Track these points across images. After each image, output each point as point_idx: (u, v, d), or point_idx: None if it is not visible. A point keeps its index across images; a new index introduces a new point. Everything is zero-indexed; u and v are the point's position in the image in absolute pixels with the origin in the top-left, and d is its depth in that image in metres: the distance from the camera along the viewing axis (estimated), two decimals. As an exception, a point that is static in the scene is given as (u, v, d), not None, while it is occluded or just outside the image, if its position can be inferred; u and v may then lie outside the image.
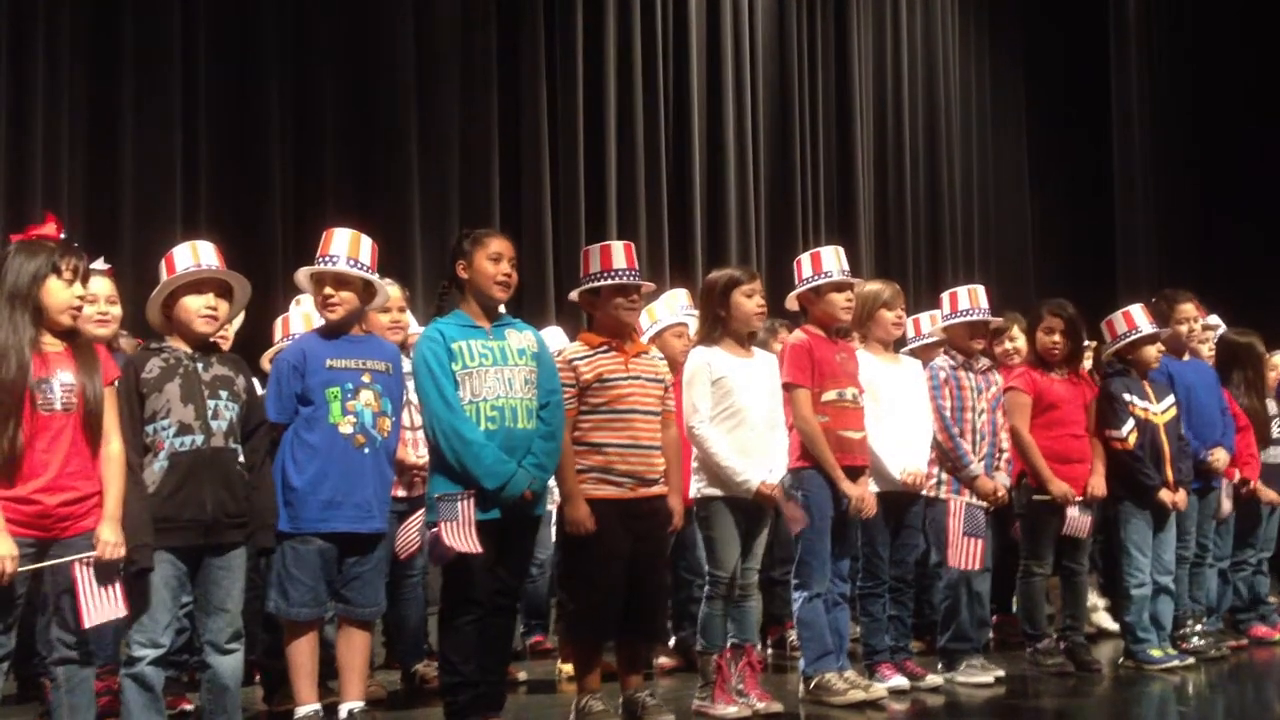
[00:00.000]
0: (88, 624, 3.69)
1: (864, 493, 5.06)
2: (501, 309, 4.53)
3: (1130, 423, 5.87)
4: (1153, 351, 6.01)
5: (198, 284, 4.15)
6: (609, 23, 10.75)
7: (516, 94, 10.25)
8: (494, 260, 4.40)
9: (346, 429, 4.35)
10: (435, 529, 4.20)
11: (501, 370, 4.33)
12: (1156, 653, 5.82)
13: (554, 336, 6.47)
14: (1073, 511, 5.67)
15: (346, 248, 4.46)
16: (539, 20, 10.40)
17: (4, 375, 3.63)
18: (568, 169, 10.43)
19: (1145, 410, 5.94)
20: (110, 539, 3.73)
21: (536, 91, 10.30)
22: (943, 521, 5.40)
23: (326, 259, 4.45)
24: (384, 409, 4.44)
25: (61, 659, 3.73)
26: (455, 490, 4.19)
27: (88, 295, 4.44)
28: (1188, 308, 6.37)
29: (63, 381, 3.73)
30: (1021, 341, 6.15)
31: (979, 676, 5.45)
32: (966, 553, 5.33)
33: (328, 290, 4.45)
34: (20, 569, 3.59)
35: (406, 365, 4.66)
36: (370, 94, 9.47)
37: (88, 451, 3.76)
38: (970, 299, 5.66)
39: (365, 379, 4.41)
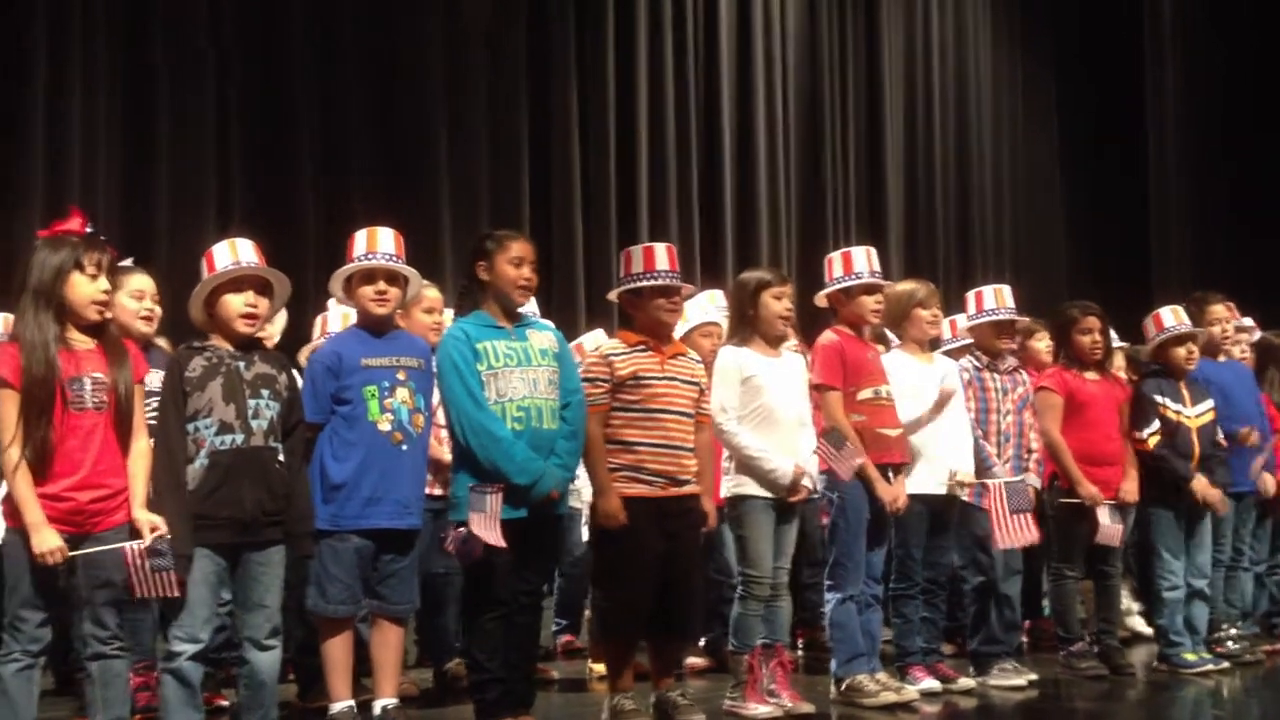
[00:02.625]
0: (138, 594, 3.72)
1: (899, 492, 5.04)
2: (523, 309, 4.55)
3: (1155, 424, 5.82)
4: (1182, 353, 5.95)
5: (237, 282, 4.14)
6: (639, 21, 10.76)
7: (547, 94, 10.28)
8: (515, 264, 4.40)
9: (385, 426, 4.37)
10: (462, 525, 4.21)
11: (526, 371, 4.35)
12: (1191, 656, 5.78)
13: (596, 338, 6.47)
14: (1104, 518, 5.60)
15: (393, 245, 4.49)
16: (569, 19, 10.42)
17: (34, 373, 3.64)
18: (598, 168, 10.44)
19: (1178, 413, 5.89)
20: (147, 520, 3.75)
21: (567, 91, 10.32)
22: (971, 527, 5.38)
23: (373, 255, 4.46)
24: (418, 405, 4.46)
25: (95, 653, 3.76)
26: (485, 484, 4.21)
27: (132, 291, 4.48)
28: (1218, 309, 6.32)
29: (94, 379, 3.74)
30: (1046, 344, 6.12)
31: (1012, 680, 5.43)
32: (1017, 529, 5.23)
33: (381, 285, 4.46)
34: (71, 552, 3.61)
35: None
36: (399, 93, 9.52)
37: (118, 449, 3.78)
38: (996, 298, 5.63)
39: (400, 376, 4.43)
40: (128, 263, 4.62)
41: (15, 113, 8.00)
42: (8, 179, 7.96)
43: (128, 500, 3.78)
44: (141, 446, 3.84)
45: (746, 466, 4.82)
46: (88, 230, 3.85)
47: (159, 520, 3.77)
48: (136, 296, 4.66)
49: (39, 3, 8.08)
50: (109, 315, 3.88)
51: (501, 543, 4.17)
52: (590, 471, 4.59)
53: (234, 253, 4.18)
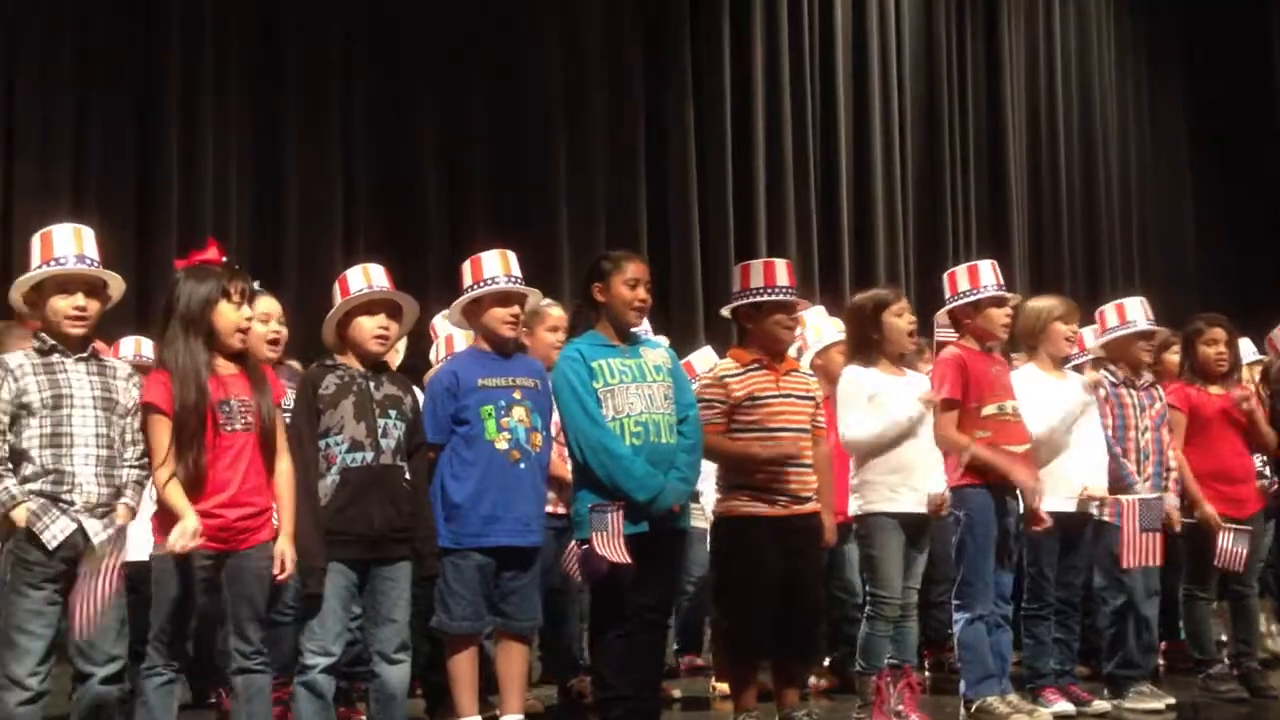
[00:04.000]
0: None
1: (1036, 485, 4.94)
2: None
3: None
4: None
5: (370, 305, 4.27)
6: (755, 36, 10.77)
7: (663, 110, 10.33)
8: (630, 286, 4.42)
9: (502, 445, 4.44)
10: (585, 544, 4.24)
11: (642, 386, 4.36)
12: (1337, 680, 5.56)
13: (705, 357, 6.48)
14: (1224, 541, 5.38)
15: (505, 266, 4.58)
16: (684, 37, 10.47)
17: (187, 398, 3.77)
18: (715, 184, 10.46)
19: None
20: (284, 550, 3.87)
21: (683, 107, 10.36)
22: (1109, 546, 5.25)
23: (510, 279, 4.54)
24: (535, 424, 4.52)
25: (239, 668, 3.86)
26: (604, 502, 4.23)
27: (259, 315, 4.61)
28: None
29: (240, 402, 3.87)
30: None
31: (1149, 703, 5.27)
32: (1145, 550, 5.09)
33: (515, 309, 4.56)
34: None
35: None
36: (519, 115, 9.66)
37: (264, 469, 3.91)
38: (1134, 311, 5.49)
39: (516, 395, 4.50)
40: (255, 286, 4.75)
41: (151, 150, 8.36)
42: (145, 213, 8.30)
43: (270, 518, 3.90)
44: (285, 468, 3.96)
45: (881, 455, 4.73)
46: (224, 259, 3.99)
47: (290, 558, 3.87)
48: (263, 320, 4.78)
49: (173, 43, 8.43)
50: (248, 340, 4.01)
51: (627, 559, 4.18)
52: (722, 458, 4.59)
53: (367, 277, 4.31)
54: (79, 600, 3.60)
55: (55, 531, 3.69)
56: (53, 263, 3.84)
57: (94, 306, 3.87)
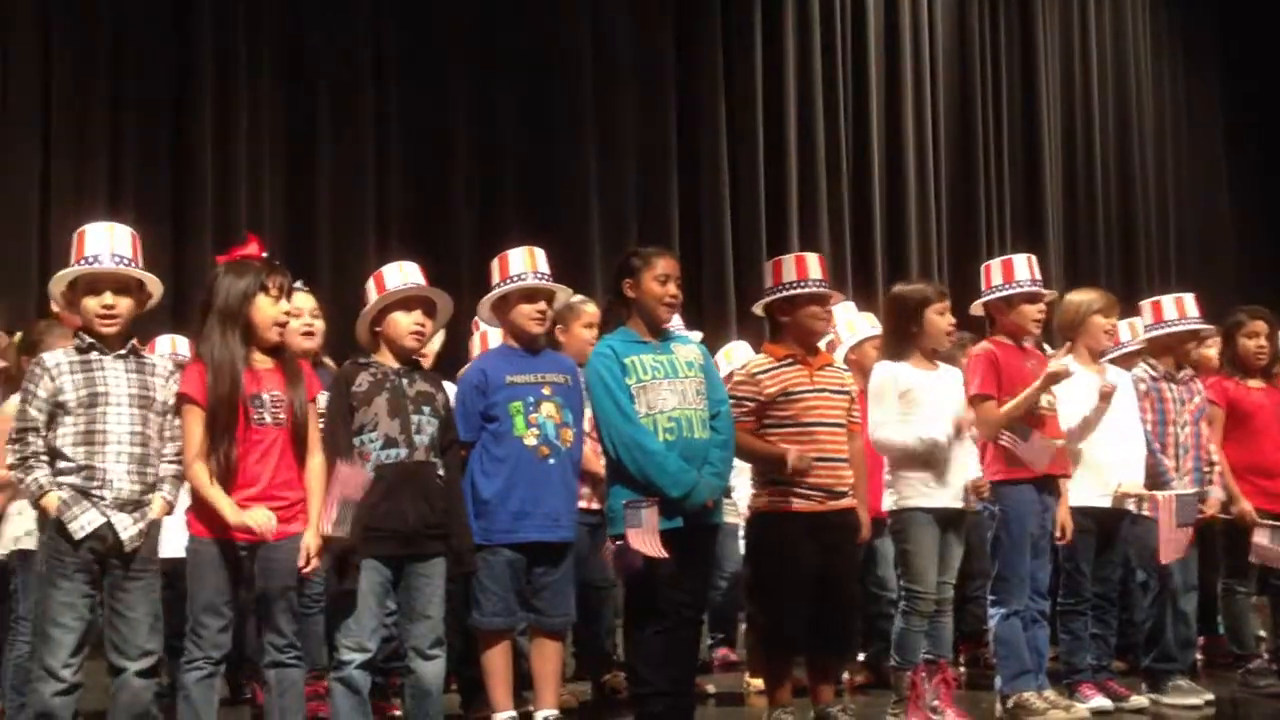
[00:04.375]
0: None
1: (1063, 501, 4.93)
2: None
3: None
4: None
5: (406, 302, 4.30)
6: (787, 31, 10.73)
7: (695, 106, 10.32)
8: (661, 281, 4.42)
9: (531, 441, 4.47)
10: (620, 540, 4.24)
11: (674, 382, 4.36)
12: (1379, 676, 5.49)
13: (739, 351, 6.47)
14: (1260, 538, 5.30)
15: (532, 263, 4.59)
16: (716, 32, 10.45)
17: (220, 391, 3.80)
18: (747, 180, 10.44)
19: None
20: (310, 545, 3.87)
21: (715, 103, 10.34)
22: (1146, 540, 5.20)
23: (536, 275, 4.56)
24: (565, 420, 4.54)
25: (273, 661, 3.89)
26: (639, 498, 4.23)
27: (292, 310, 4.65)
28: None
29: (273, 396, 3.89)
30: (1218, 350, 5.90)
31: (1187, 698, 5.23)
32: (1180, 544, 5.07)
33: (541, 305, 4.59)
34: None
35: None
36: (549, 110, 9.67)
37: (295, 463, 3.93)
38: (1178, 307, 5.45)
39: (545, 391, 4.52)
40: (298, 285, 4.78)
41: (185, 149, 8.43)
42: (180, 212, 8.37)
43: (302, 511, 3.92)
44: (317, 463, 3.97)
45: (910, 460, 4.72)
46: (264, 255, 4.02)
47: (315, 551, 3.88)
48: (295, 314, 4.81)
49: (206, 42, 8.49)
50: (285, 334, 4.04)
51: (663, 553, 4.18)
52: (752, 458, 4.59)
53: (404, 274, 4.34)
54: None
55: (83, 522, 3.72)
56: (84, 261, 3.86)
57: (125, 304, 3.86)
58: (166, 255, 7.52)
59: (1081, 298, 5.30)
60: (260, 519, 3.76)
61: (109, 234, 3.91)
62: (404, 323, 4.28)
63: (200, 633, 3.81)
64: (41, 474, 3.76)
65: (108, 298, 3.84)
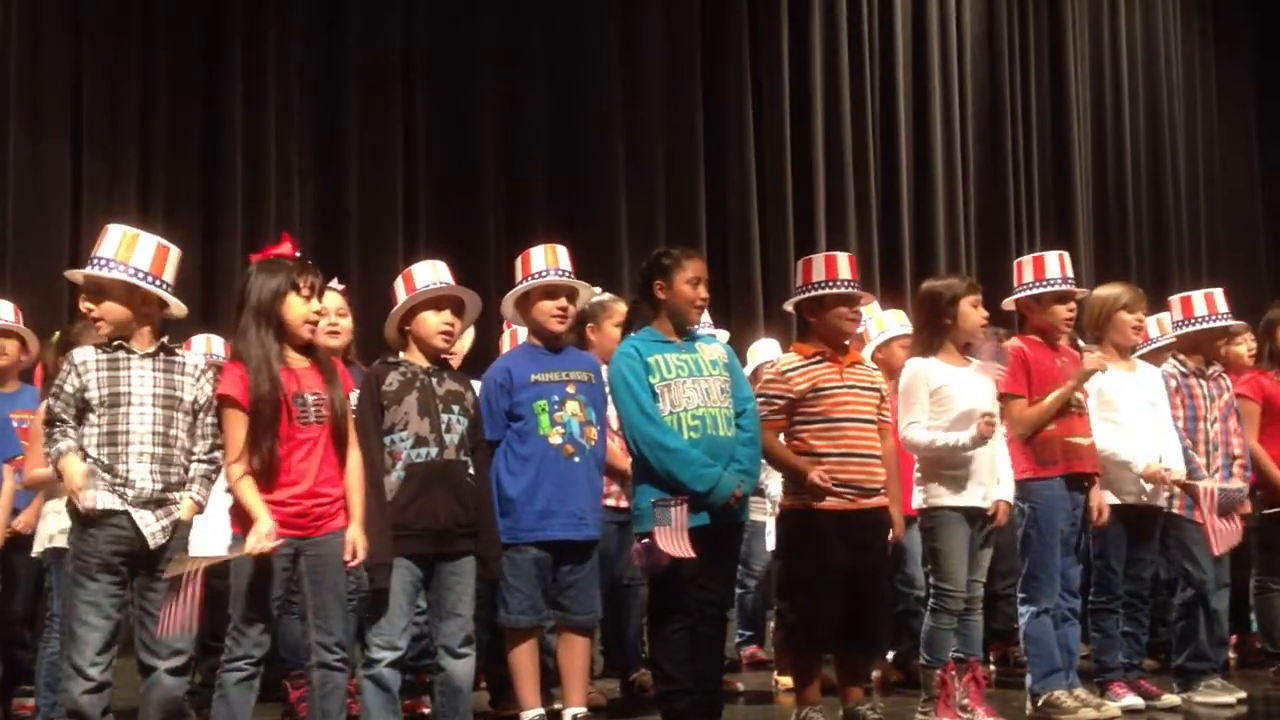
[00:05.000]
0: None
1: (1102, 504, 4.91)
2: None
3: None
4: None
5: (436, 301, 4.31)
6: (814, 31, 10.70)
7: (722, 104, 10.30)
8: (692, 284, 4.44)
9: (556, 439, 4.47)
10: (647, 538, 4.24)
11: (698, 381, 4.37)
12: None
13: (767, 348, 6.47)
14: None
15: (553, 260, 4.59)
16: (744, 30, 10.43)
17: (260, 389, 3.82)
18: (774, 178, 10.41)
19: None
20: (355, 539, 3.90)
21: (742, 101, 10.32)
22: (1179, 538, 5.17)
23: (556, 272, 4.57)
24: (590, 418, 4.55)
25: (319, 662, 3.89)
26: (667, 497, 4.23)
27: (321, 309, 4.67)
28: None
29: (314, 395, 3.91)
30: (1248, 346, 5.85)
31: (1220, 697, 5.19)
32: (1228, 533, 5.04)
33: (563, 302, 4.59)
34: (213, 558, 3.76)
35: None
36: (577, 110, 9.69)
37: (336, 460, 3.95)
38: (1208, 304, 5.42)
39: (570, 390, 4.53)
40: (335, 285, 4.81)
41: (215, 149, 8.48)
42: (211, 214, 8.43)
43: (344, 508, 3.94)
44: (355, 459, 3.99)
45: (938, 462, 4.71)
46: (297, 254, 4.04)
47: (361, 545, 3.90)
48: (321, 313, 4.82)
49: (236, 42, 8.54)
50: (315, 333, 4.05)
51: (691, 554, 4.18)
52: (781, 465, 4.58)
53: (434, 273, 4.35)
54: (165, 606, 3.67)
55: (99, 497, 3.73)
56: (94, 263, 3.88)
57: (105, 308, 3.84)
58: (195, 253, 7.56)
59: (1108, 293, 5.28)
60: (262, 531, 3.73)
61: (121, 240, 3.86)
62: (433, 322, 4.29)
63: (244, 630, 3.82)
64: (65, 444, 3.76)
65: (88, 303, 3.93)
